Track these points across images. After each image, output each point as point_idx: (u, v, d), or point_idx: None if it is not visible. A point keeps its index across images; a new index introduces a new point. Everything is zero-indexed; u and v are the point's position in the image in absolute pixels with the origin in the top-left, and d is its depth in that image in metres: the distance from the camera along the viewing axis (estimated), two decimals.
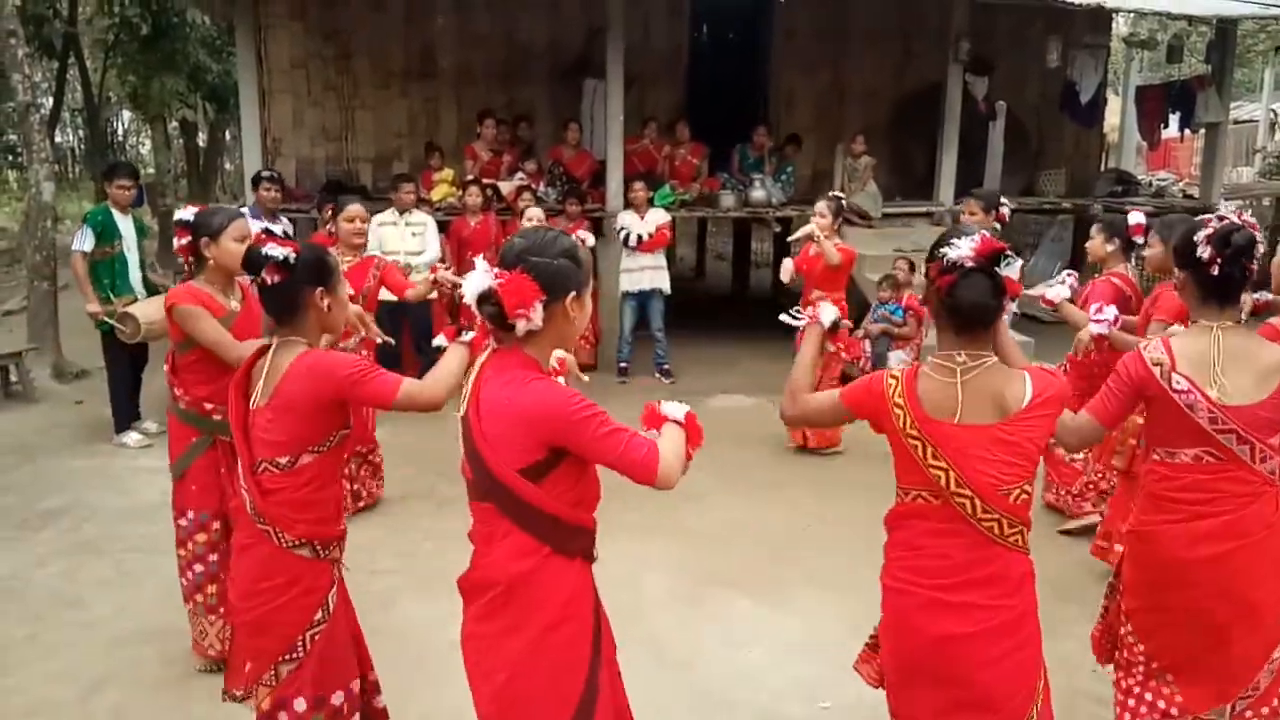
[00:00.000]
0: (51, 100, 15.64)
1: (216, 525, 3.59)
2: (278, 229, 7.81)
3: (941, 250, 2.27)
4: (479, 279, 2.08)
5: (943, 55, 9.58)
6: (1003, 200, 6.03)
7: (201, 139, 21.22)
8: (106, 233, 6.57)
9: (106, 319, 6.36)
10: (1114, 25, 13.95)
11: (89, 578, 4.65)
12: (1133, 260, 5.14)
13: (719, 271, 15.36)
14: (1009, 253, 2.24)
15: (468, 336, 2.67)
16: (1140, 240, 4.83)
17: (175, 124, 19.73)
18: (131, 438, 6.69)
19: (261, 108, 9.36)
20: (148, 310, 6.33)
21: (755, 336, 9.33)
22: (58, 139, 19.28)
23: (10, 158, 16.18)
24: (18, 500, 5.63)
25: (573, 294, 2.13)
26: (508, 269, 2.07)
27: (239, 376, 2.66)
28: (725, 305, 12.77)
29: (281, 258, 2.53)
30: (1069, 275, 4.74)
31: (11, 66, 8.41)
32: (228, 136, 22.55)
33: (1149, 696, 2.90)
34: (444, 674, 3.04)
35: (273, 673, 2.59)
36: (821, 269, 6.36)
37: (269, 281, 2.54)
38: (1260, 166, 20.71)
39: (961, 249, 2.23)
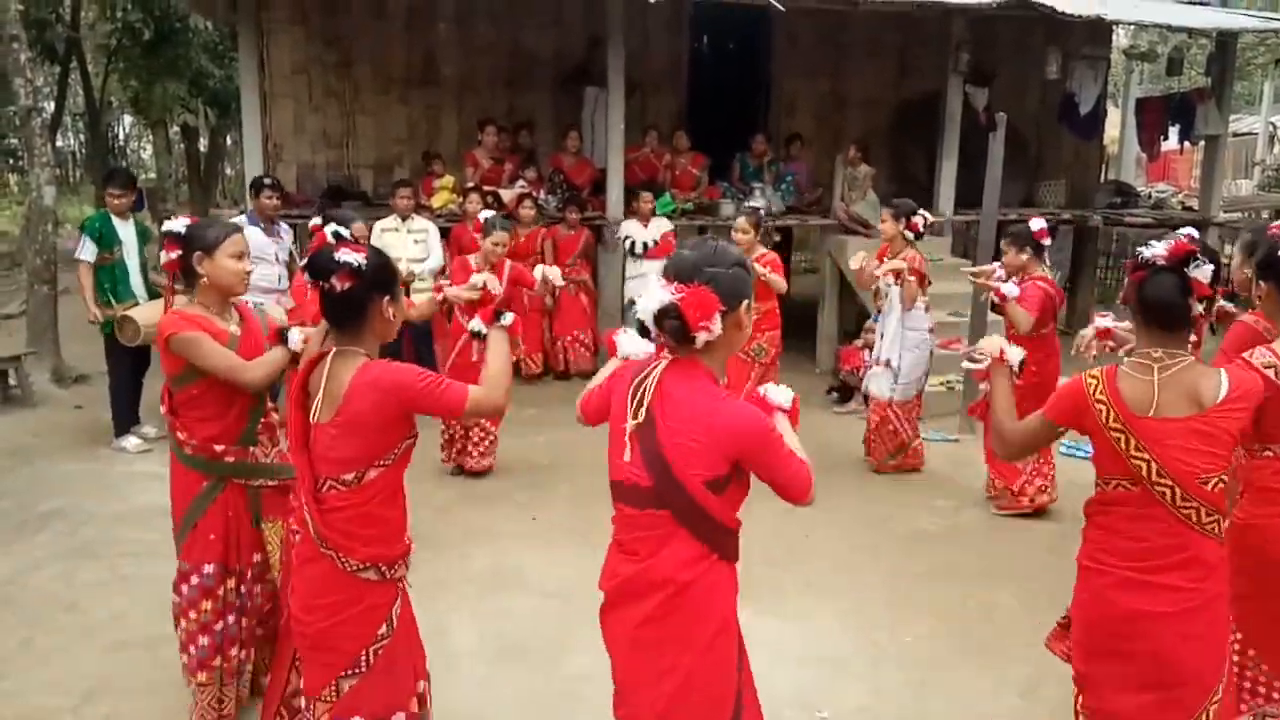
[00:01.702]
0: (53, 105, 15.67)
1: (229, 584, 3.22)
2: (287, 240, 7.78)
3: (1139, 250, 2.47)
4: (658, 295, 2.10)
5: (942, 65, 9.60)
6: (920, 211, 6.16)
7: (203, 144, 21.25)
8: (105, 239, 6.57)
9: (110, 319, 6.36)
10: (1114, 37, 13.99)
11: (85, 582, 4.64)
12: (1046, 262, 5.60)
13: None
14: (1199, 256, 2.39)
15: (507, 319, 2.77)
16: (1047, 243, 5.45)
17: (176, 129, 19.76)
18: (130, 442, 6.68)
19: (263, 113, 9.36)
20: (147, 314, 6.33)
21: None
22: (59, 143, 19.32)
23: (11, 162, 16.20)
24: (15, 504, 5.62)
25: (746, 301, 2.18)
26: (684, 282, 2.09)
27: (296, 391, 2.51)
28: None
29: (355, 265, 2.40)
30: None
31: (13, 71, 8.41)
32: (229, 142, 22.59)
33: (1247, 685, 3.04)
34: (442, 676, 3.03)
35: (333, 688, 2.49)
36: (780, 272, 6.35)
37: (337, 288, 2.40)
38: (1259, 179, 20.77)
39: (1156, 249, 2.42)
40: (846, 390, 8.05)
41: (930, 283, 6.36)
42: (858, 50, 10.86)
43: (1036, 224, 5.48)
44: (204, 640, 3.19)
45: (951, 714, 3.66)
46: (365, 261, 2.42)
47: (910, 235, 6.08)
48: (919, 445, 6.42)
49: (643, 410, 2.18)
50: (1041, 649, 3.11)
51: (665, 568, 2.20)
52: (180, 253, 3.11)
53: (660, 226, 8.44)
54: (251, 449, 3.18)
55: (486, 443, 6.12)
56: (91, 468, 6.29)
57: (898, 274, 6.05)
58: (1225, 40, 10.20)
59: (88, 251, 6.54)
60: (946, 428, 7.36)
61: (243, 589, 3.24)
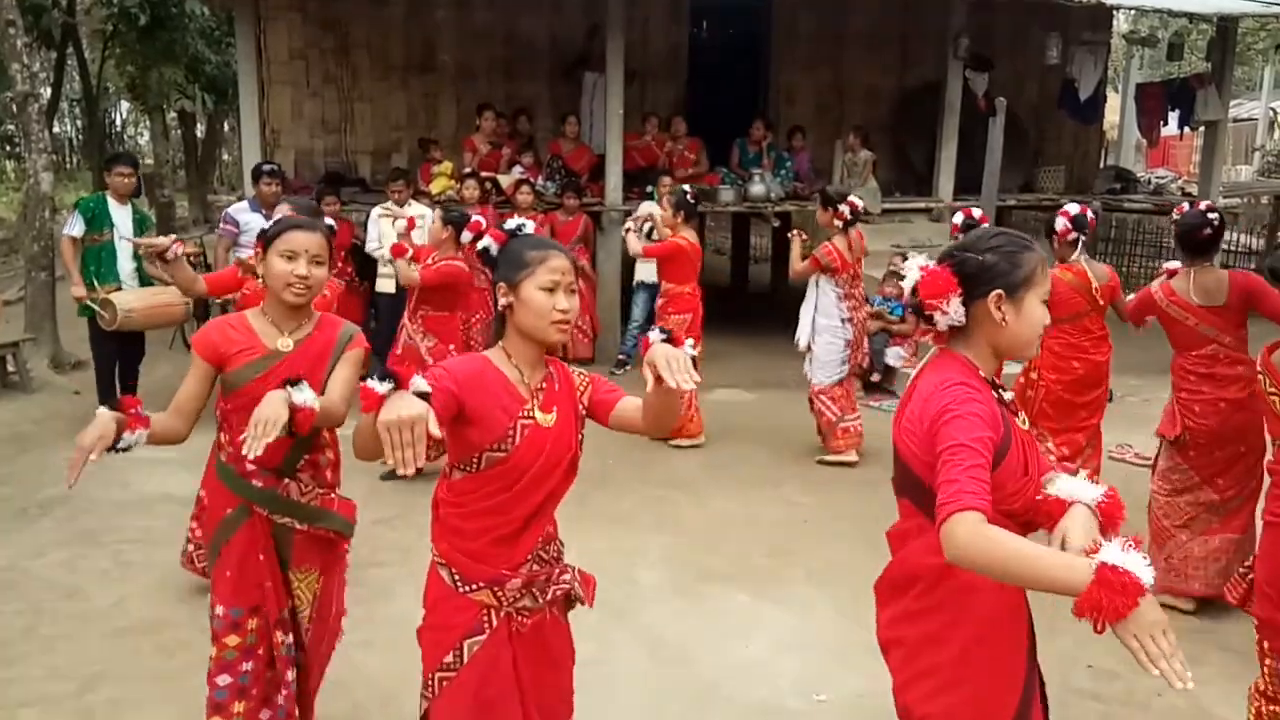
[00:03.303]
0: (50, 90, 15.58)
1: (253, 624, 2.78)
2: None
3: None
4: (911, 275, 2.11)
5: (942, 52, 9.59)
6: (849, 198, 6.21)
7: (200, 130, 21.19)
8: (97, 220, 6.52)
9: (90, 303, 6.36)
10: (1114, 22, 13.95)
11: (87, 569, 4.65)
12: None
13: (718, 266, 15.35)
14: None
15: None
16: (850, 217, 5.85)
17: (174, 115, 19.73)
18: None
19: (260, 99, 9.33)
20: (128, 299, 6.35)
21: (754, 331, 9.35)
22: (56, 129, 19.24)
23: (8, 148, 16.14)
24: (16, 491, 5.63)
25: (998, 292, 2.01)
26: (938, 263, 2.09)
27: None
28: (724, 299, 12.77)
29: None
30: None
31: (10, 56, 8.39)
32: (226, 127, 22.53)
33: None
34: None
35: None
36: (668, 257, 6.31)
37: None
38: (1259, 164, 20.74)
39: None
40: (868, 384, 8.08)
41: (853, 271, 6.28)
42: (857, 36, 10.83)
43: (957, 218, 5.46)
44: (224, 680, 2.80)
45: None
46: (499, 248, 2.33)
47: (839, 223, 6.11)
48: (852, 426, 6.35)
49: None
50: (1038, 634, 3.13)
51: (913, 555, 2.17)
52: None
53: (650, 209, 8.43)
54: (286, 481, 2.77)
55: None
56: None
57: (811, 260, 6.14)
58: (1226, 25, 10.17)
59: (75, 227, 6.49)
60: None
61: (274, 636, 2.80)
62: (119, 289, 6.51)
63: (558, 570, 2.37)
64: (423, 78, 10.15)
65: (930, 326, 2.10)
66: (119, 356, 6.77)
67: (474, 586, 2.24)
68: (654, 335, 2.08)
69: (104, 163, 7.19)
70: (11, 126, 12.36)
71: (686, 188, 6.66)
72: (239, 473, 2.75)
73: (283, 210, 3.84)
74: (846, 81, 11.08)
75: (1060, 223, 5.02)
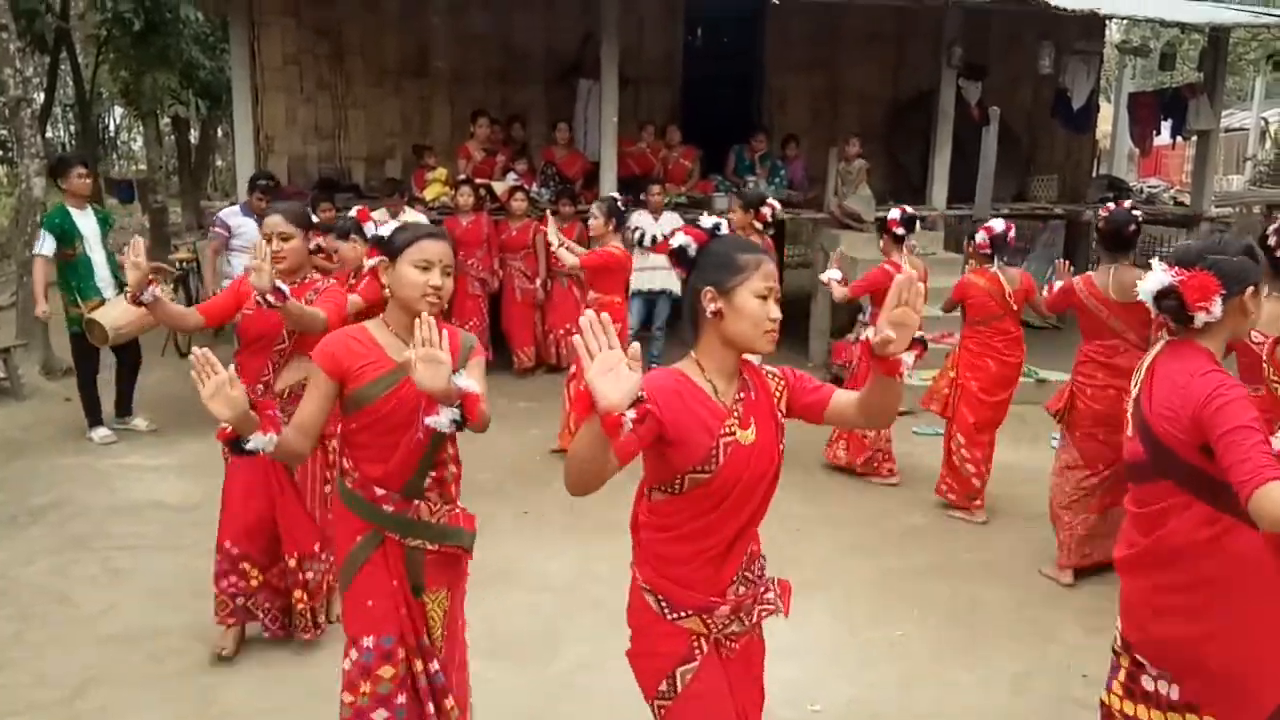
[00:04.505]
0: (43, 95, 15.56)
1: (403, 653, 2.64)
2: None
3: None
4: (1158, 277, 2.30)
5: (936, 60, 9.61)
6: (768, 200, 6.26)
7: (193, 135, 21.15)
8: (66, 235, 6.39)
9: (80, 314, 6.34)
10: (1107, 32, 14.01)
11: (77, 575, 4.62)
12: (904, 248, 5.99)
13: None
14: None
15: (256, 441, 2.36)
16: (900, 232, 5.90)
17: (167, 120, 19.67)
18: (98, 433, 6.66)
19: (254, 105, 9.32)
20: (113, 314, 6.30)
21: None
22: (49, 134, 19.15)
23: (1, 153, 16.08)
24: (6, 497, 5.60)
25: (1250, 288, 2.30)
26: (1185, 268, 2.28)
27: None
28: None
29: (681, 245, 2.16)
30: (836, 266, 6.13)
31: (3, 61, 8.35)
32: (220, 133, 22.50)
33: None
34: None
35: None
36: (602, 267, 6.21)
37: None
38: (1251, 174, 20.83)
39: None
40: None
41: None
42: (851, 44, 10.86)
43: (893, 214, 5.97)
44: (381, 716, 2.60)
45: (942, 708, 3.67)
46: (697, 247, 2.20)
47: (759, 225, 6.18)
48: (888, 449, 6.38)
49: (1136, 389, 2.39)
50: (1032, 644, 3.13)
51: (1179, 531, 2.30)
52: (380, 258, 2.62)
53: (671, 221, 8.43)
54: (416, 502, 2.64)
55: None
56: (82, 460, 6.27)
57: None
58: (1218, 35, 10.22)
59: (47, 246, 6.40)
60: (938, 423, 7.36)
61: (415, 665, 2.67)
62: (102, 303, 6.43)
63: (762, 589, 2.26)
64: (417, 83, 10.15)
65: (1188, 329, 2.32)
66: (117, 364, 6.76)
67: (682, 614, 2.15)
68: (869, 332, 2.00)
69: (54, 171, 6.78)
70: (4, 131, 12.30)
71: (617, 195, 6.65)
72: (369, 499, 2.61)
73: (273, 220, 3.76)
74: (840, 89, 11.11)
75: (980, 236, 5.46)
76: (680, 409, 2.05)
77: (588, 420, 1.77)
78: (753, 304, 2.06)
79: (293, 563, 3.81)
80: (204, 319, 3.85)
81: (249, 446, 2.33)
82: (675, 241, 2.16)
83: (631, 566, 2.26)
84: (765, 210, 6.16)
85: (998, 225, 5.49)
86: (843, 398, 2.21)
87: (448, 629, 2.76)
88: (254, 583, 3.85)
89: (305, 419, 2.54)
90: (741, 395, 2.15)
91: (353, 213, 5.22)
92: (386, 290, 2.60)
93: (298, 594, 3.83)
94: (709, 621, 2.16)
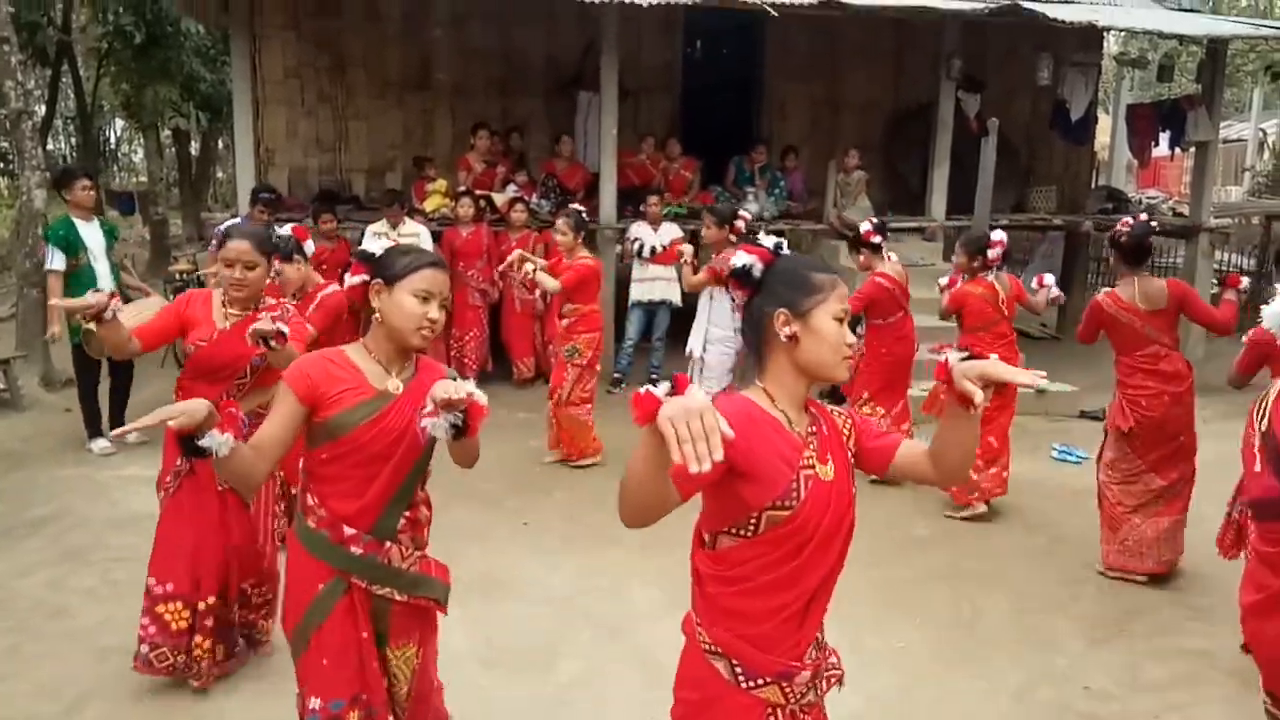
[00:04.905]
0: (44, 108, 15.62)
1: (354, 716, 2.45)
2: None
3: None
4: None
5: (935, 72, 9.63)
6: (740, 213, 6.42)
7: (194, 148, 21.20)
8: (71, 246, 6.41)
9: (80, 324, 6.32)
10: (1105, 44, 14.05)
11: (75, 588, 4.61)
12: (885, 259, 6.19)
13: None
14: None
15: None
16: (877, 240, 6.09)
17: (168, 133, 19.71)
18: (98, 445, 6.65)
19: (255, 117, 9.34)
20: None
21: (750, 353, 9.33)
22: (50, 147, 19.22)
23: (2, 165, 16.11)
24: (4, 508, 5.58)
25: None
26: None
27: None
28: None
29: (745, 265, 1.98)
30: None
31: (4, 73, 8.38)
32: (220, 146, 22.56)
33: None
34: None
35: None
36: (581, 281, 6.23)
37: (741, 303, 2.01)
38: (1249, 185, 20.86)
39: None
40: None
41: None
42: (850, 56, 10.88)
43: (865, 226, 6.20)
44: None
45: (944, 717, 3.65)
46: (763, 265, 2.00)
47: (734, 238, 6.24)
48: None
49: (1264, 421, 2.28)
50: (1034, 652, 3.12)
51: None
52: (365, 277, 2.46)
53: (670, 232, 8.44)
54: (388, 544, 2.46)
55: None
56: (81, 472, 6.26)
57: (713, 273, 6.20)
58: (1216, 47, 10.24)
59: (57, 261, 6.39)
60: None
61: None
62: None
63: (828, 653, 2.08)
64: (418, 96, 10.17)
65: None
66: (111, 376, 6.75)
67: (760, 681, 1.93)
68: (953, 355, 1.85)
69: (58, 183, 6.83)
70: (5, 144, 12.33)
71: (580, 208, 6.71)
72: (335, 539, 2.41)
73: (239, 246, 3.47)
74: (839, 101, 11.13)
75: (995, 253, 5.59)
76: (755, 436, 1.86)
77: (647, 431, 1.55)
78: (831, 327, 1.91)
79: (247, 587, 3.72)
80: (140, 343, 3.47)
81: (203, 443, 2.07)
82: (738, 261, 1.98)
83: (690, 625, 2.04)
84: (739, 223, 6.29)
85: (1000, 235, 5.68)
86: (913, 446, 2.04)
87: (416, 689, 2.57)
88: (176, 626, 3.59)
89: (265, 440, 2.28)
90: (814, 429, 1.98)
91: (286, 230, 5.10)
92: (376, 314, 2.41)
93: (199, 639, 3.60)
94: (788, 690, 1.94)
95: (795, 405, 1.97)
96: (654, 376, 8.55)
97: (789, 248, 2.07)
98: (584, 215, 6.54)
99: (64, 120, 23.62)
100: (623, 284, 8.90)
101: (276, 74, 9.81)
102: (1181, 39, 11.36)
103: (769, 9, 7.91)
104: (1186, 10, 11.14)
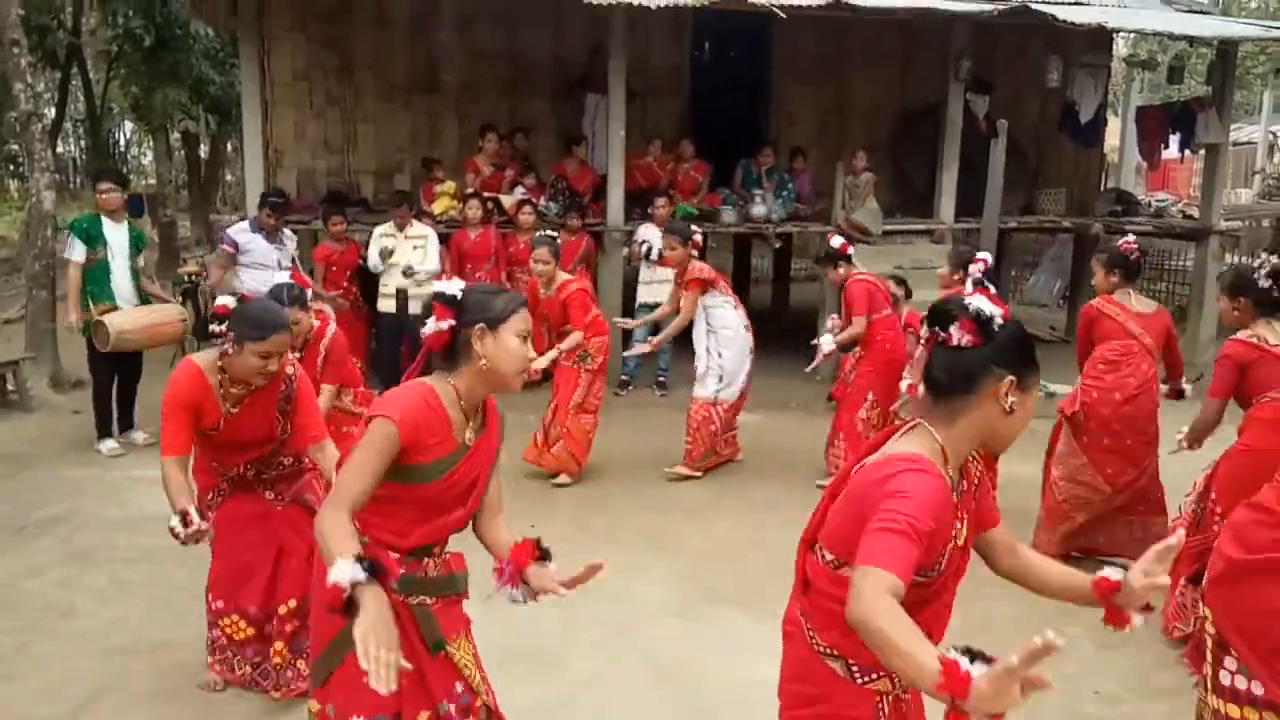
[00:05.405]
0: (54, 110, 15.70)
1: None
2: (290, 246, 7.75)
3: None
4: None
5: (943, 73, 9.62)
6: (694, 228, 6.50)
7: (203, 150, 21.28)
8: (91, 240, 6.52)
9: (87, 322, 6.38)
10: (1114, 46, 14.02)
11: (84, 588, 4.62)
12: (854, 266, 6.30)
13: None
14: None
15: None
16: (851, 252, 6.27)
17: (177, 135, 19.79)
18: (106, 445, 6.68)
19: (264, 120, 9.37)
20: (121, 320, 6.35)
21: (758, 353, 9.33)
22: (59, 149, 19.33)
23: (12, 167, 16.20)
24: (13, 509, 5.60)
25: None
26: None
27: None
28: None
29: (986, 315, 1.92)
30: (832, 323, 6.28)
31: (14, 76, 8.42)
32: (229, 148, 22.61)
33: None
34: None
35: None
36: (588, 314, 6.28)
37: (956, 343, 1.94)
38: (1259, 188, 20.78)
39: None
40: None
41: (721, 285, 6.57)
42: (858, 58, 10.87)
43: (836, 240, 6.29)
44: None
45: None
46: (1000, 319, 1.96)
47: (695, 254, 6.39)
48: (731, 436, 6.67)
49: None
50: (1043, 659, 3.10)
51: None
52: (453, 321, 2.29)
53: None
54: (425, 560, 2.45)
55: None
56: (90, 473, 6.28)
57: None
58: (1226, 49, 10.20)
59: (76, 251, 6.51)
60: None
61: None
62: (114, 308, 6.50)
63: None
64: (426, 98, 10.19)
65: None
66: (117, 376, 6.77)
67: (874, 676, 2.04)
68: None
69: (92, 179, 7.17)
70: (15, 146, 12.39)
71: (554, 234, 6.79)
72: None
73: (282, 338, 3.32)
74: (847, 102, 11.12)
75: (976, 268, 5.51)
76: (941, 523, 1.85)
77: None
78: (1029, 406, 1.93)
79: (284, 609, 3.62)
80: (186, 453, 3.38)
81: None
82: (983, 309, 1.92)
83: (796, 627, 2.11)
84: (697, 239, 6.41)
85: (986, 256, 5.72)
86: (1003, 534, 2.14)
87: (483, 673, 2.58)
88: (239, 636, 3.64)
89: (360, 498, 2.16)
90: (964, 489, 2.01)
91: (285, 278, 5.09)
92: (482, 361, 2.27)
93: (278, 645, 3.61)
94: (896, 679, 2.03)
95: (958, 465, 1.98)
96: (660, 379, 8.52)
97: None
98: (556, 239, 6.58)
99: (73, 123, 23.76)
100: (630, 285, 8.90)
101: (285, 76, 9.84)
102: (1191, 41, 11.34)
103: (777, 11, 7.91)
104: (1196, 12, 11.10)
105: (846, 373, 6.43)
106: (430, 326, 2.27)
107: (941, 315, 1.95)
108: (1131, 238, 5.10)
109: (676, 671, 3.96)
